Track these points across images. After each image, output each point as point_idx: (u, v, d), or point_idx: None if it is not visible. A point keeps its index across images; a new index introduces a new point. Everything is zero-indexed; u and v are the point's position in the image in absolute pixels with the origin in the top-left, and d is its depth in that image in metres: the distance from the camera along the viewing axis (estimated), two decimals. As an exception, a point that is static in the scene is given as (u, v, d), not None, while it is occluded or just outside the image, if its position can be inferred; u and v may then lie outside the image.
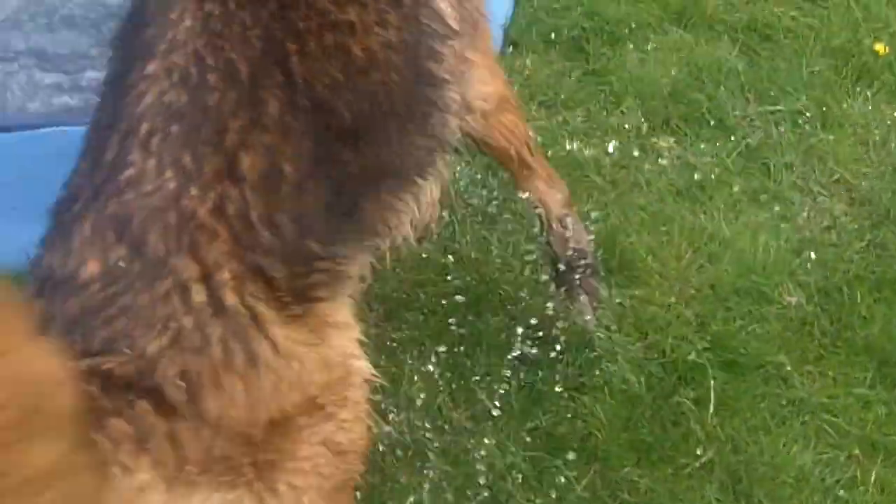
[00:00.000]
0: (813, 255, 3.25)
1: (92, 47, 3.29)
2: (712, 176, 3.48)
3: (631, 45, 3.89)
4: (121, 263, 1.92)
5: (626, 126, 3.63)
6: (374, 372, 2.21)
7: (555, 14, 3.98)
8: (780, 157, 3.55)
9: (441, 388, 2.93)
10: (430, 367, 2.92)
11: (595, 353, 2.98)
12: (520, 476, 2.79)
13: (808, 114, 3.66)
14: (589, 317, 2.98)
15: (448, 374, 2.95)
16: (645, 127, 3.64)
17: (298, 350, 2.03)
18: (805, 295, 3.15)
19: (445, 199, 2.80)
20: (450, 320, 3.02)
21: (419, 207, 2.44)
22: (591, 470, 2.81)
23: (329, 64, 2.16)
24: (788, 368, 2.99)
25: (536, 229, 2.98)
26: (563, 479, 2.78)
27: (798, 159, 3.54)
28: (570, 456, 2.82)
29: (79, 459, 1.72)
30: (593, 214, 3.21)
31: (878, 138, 3.61)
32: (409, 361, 2.97)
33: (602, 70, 3.82)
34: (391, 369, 2.88)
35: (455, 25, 2.40)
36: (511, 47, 3.87)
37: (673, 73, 3.79)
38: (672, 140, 3.62)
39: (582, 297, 2.97)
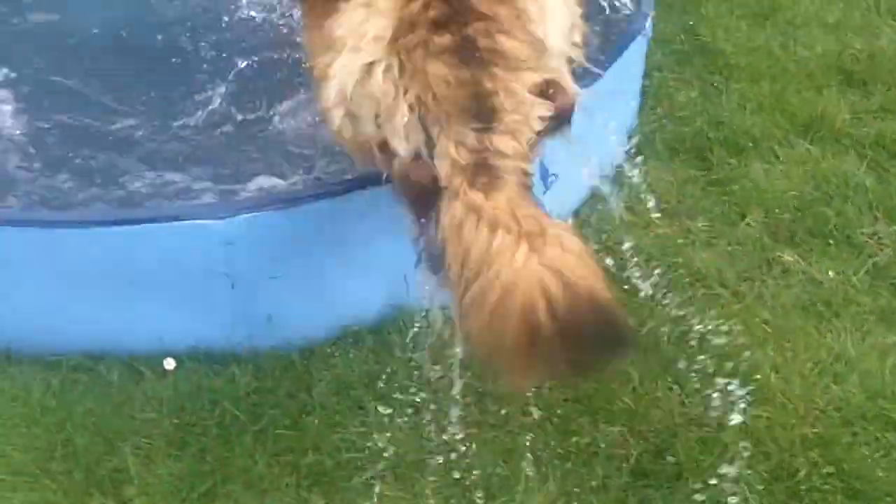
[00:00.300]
0: (946, 384, 3.15)
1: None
2: (838, 293, 3.41)
3: (756, 157, 3.88)
4: None
5: (750, 238, 3.60)
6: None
7: (679, 122, 4.00)
8: (909, 278, 3.47)
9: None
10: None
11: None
12: None
13: (939, 236, 3.59)
14: None
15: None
16: (769, 240, 3.60)
17: None
18: (938, 426, 3.05)
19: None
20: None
21: None
22: None
23: None
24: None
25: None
26: None
27: (929, 282, 3.46)
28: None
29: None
30: (716, 326, 3.16)
31: None
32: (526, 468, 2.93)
33: (726, 180, 3.80)
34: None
35: None
36: (634, 154, 3.86)
37: (799, 186, 3.76)
38: (797, 254, 3.56)
39: None
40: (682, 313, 3.19)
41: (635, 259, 3.36)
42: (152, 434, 3.01)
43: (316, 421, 3.04)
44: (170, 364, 3.18)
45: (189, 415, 3.05)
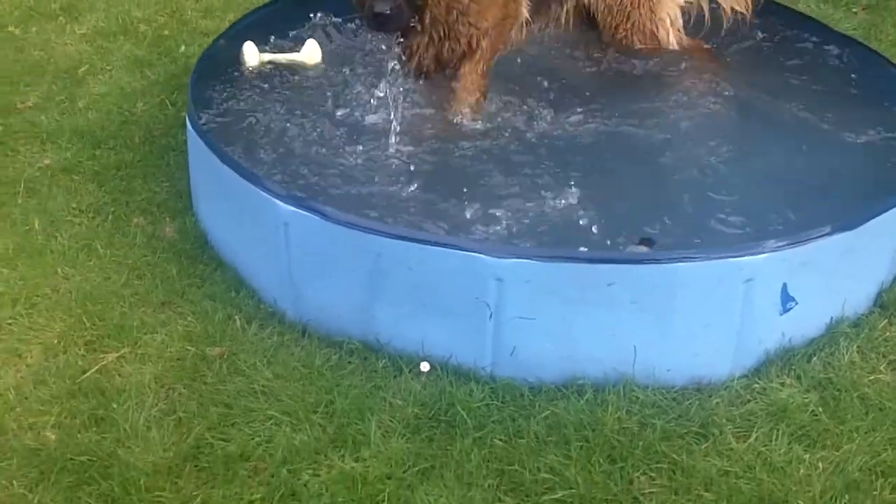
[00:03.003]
0: None
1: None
2: None
3: None
4: None
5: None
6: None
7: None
8: None
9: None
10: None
11: None
12: None
13: None
14: None
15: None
16: None
17: None
18: None
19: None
20: None
21: None
22: None
23: None
24: None
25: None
26: None
27: None
28: None
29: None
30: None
31: None
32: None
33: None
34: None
35: None
36: (878, 308, 4.15)
37: None
38: None
39: None
40: None
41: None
42: (396, 416, 3.65)
43: (525, 442, 3.56)
44: (425, 367, 3.80)
45: (429, 409, 3.66)
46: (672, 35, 5.19)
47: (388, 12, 4.31)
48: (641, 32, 5.13)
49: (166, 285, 4.20)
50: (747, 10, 5.29)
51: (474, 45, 4.66)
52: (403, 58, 4.65)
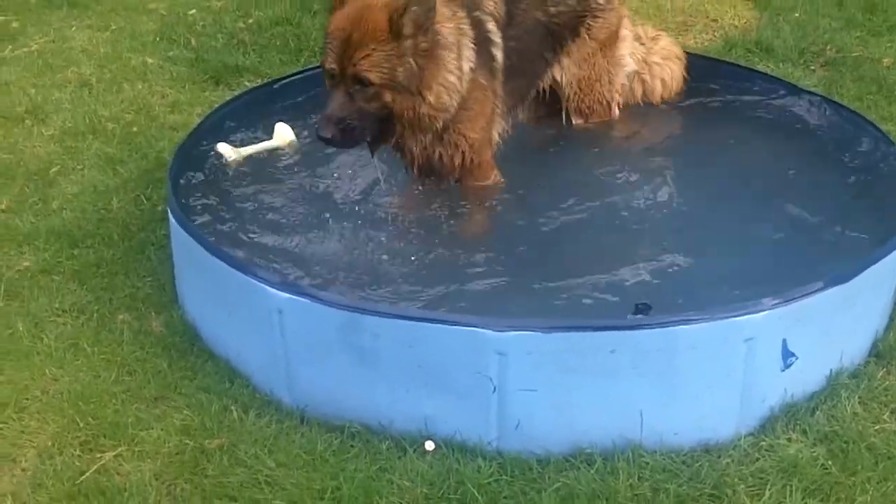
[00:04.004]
0: None
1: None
2: None
3: None
4: None
5: None
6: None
7: (927, 337, 4.27)
8: None
9: None
10: None
11: None
12: None
13: None
14: None
15: None
16: None
17: None
18: None
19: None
20: None
21: None
22: None
23: None
24: None
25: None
26: None
27: None
28: None
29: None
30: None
31: None
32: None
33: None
34: None
35: None
36: (875, 358, 4.17)
37: None
38: None
39: None
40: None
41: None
42: (405, 498, 3.59)
43: (539, 516, 3.51)
44: (430, 446, 3.75)
45: (437, 489, 3.60)
46: (616, 106, 5.38)
47: (330, 137, 4.19)
48: (600, 104, 5.28)
49: (158, 380, 4.12)
50: (675, 82, 5.53)
51: (471, 159, 4.63)
52: (404, 161, 4.66)
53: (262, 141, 4.96)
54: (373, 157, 4.55)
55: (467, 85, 4.44)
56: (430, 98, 4.27)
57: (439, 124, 4.43)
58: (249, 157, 4.86)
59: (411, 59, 4.15)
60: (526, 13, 4.86)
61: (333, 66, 4.18)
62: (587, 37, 5.11)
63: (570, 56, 5.11)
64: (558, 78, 5.15)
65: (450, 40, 4.36)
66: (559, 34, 5.03)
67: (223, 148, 4.82)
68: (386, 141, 4.43)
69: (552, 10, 4.96)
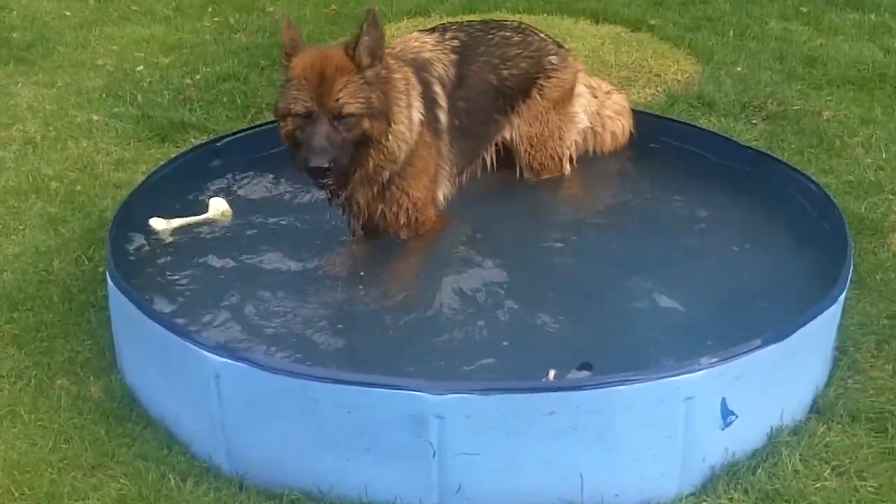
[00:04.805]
0: None
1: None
2: None
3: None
4: None
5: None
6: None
7: (865, 393, 4.28)
8: None
9: None
10: None
11: None
12: None
13: None
14: None
15: None
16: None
17: None
18: None
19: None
20: None
21: None
22: None
23: None
24: None
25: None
26: None
27: None
28: None
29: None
30: None
31: None
32: None
33: (901, 449, 4.05)
34: None
35: None
36: (815, 414, 4.19)
37: None
38: None
39: None
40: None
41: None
42: (347, 564, 3.54)
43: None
44: (368, 511, 3.72)
45: (379, 556, 3.57)
46: (568, 161, 5.42)
47: (328, 165, 4.25)
48: (552, 159, 5.31)
49: (95, 448, 4.06)
50: (623, 136, 5.63)
51: (415, 218, 4.68)
52: (343, 215, 4.66)
53: (195, 213, 5.00)
54: (330, 203, 4.57)
55: (416, 137, 4.48)
56: (392, 129, 4.42)
57: (386, 175, 4.48)
58: (183, 229, 4.91)
59: (377, 85, 4.33)
60: (478, 75, 4.93)
61: (308, 104, 4.29)
62: (539, 97, 5.17)
63: (521, 116, 5.16)
64: (509, 136, 5.19)
65: (399, 87, 4.45)
66: (511, 95, 5.09)
67: (155, 222, 4.86)
68: (348, 182, 4.47)
69: (505, 73, 5.02)
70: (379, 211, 4.62)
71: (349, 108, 4.27)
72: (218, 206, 4.99)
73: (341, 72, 4.27)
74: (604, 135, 5.57)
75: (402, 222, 4.65)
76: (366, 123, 4.31)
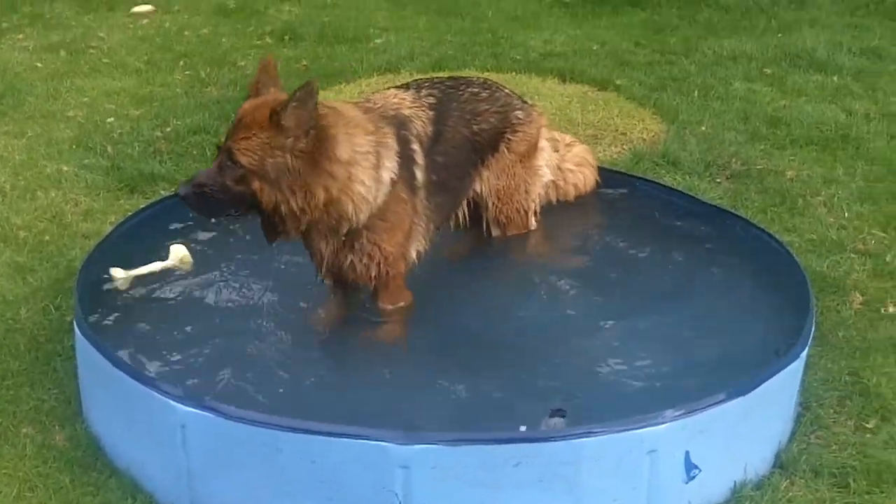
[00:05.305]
0: None
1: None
2: None
3: (896, 492, 4.14)
4: None
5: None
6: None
7: (827, 450, 4.31)
8: None
9: None
10: None
11: None
12: None
13: None
14: None
15: None
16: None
17: None
18: None
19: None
20: None
21: None
22: None
23: None
24: None
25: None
26: None
27: None
28: None
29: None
30: None
31: None
32: None
33: (862, 505, 4.09)
34: None
35: None
36: (778, 469, 4.23)
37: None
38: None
39: None
40: None
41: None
42: None
43: None
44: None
45: None
46: (534, 215, 5.48)
47: (183, 196, 4.30)
48: (518, 213, 5.36)
49: (59, 497, 4.04)
50: (586, 186, 5.71)
51: (386, 272, 4.67)
52: (313, 261, 4.68)
53: (160, 260, 5.00)
54: (270, 244, 4.53)
55: (384, 196, 4.51)
56: (314, 201, 4.30)
57: (343, 230, 4.49)
58: (143, 277, 4.91)
59: (287, 156, 4.21)
60: (454, 130, 4.98)
61: (222, 142, 4.33)
62: (506, 150, 5.23)
63: (490, 169, 5.21)
64: (478, 190, 5.25)
65: (363, 150, 4.44)
66: (481, 150, 5.15)
67: (115, 272, 4.87)
68: (277, 233, 4.43)
69: (475, 128, 5.08)
70: (349, 261, 4.62)
71: (238, 157, 4.21)
72: (177, 254, 4.97)
73: (256, 124, 4.21)
74: (566, 188, 5.65)
75: (372, 274, 4.66)
76: (255, 183, 4.22)
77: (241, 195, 4.26)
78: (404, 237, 4.70)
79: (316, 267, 4.68)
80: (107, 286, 4.83)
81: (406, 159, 4.65)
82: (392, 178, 4.53)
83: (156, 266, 4.95)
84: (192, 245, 5.11)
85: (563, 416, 3.94)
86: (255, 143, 4.19)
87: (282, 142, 4.19)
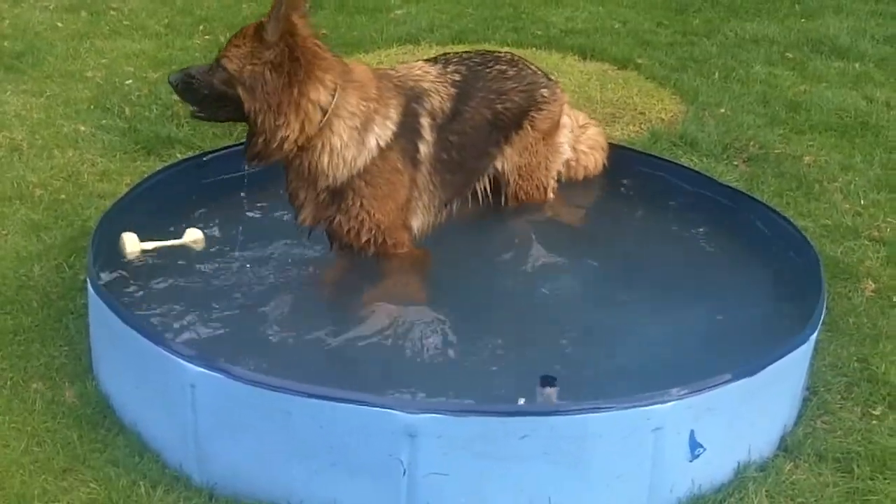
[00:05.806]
0: None
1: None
2: None
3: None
4: None
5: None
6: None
7: (833, 434, 4.32)
8: None
9: None
10: None
11: None
12: None
13: None
14: None
15: None
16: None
17: None
18: None
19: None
20: None
21: None
22: None
23: None
24: None
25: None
26: None
27: None
28: None
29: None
30: None
31: None
32: None
33: (866, 490, 4.08)
34: None
35: None
36: (784, 449, 4.24)
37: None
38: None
39: None
40: None
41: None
42: (309, 579, 3.56)
43: None
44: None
45: (343, 571, 3.58)
46: (552, 190, 5.49)
47: (173, 82, 4.65)
48: (538, 189, 5.36)
49: (67, 451, 4.07)
50: (596, 170, 5.73)
51: (383, 241, 4.71)
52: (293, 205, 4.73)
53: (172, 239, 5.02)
54: (248, 163, 4.62)
55: (366, 160, 4.55)
56: (288, 129, 4.46)
57: (320, 183, 4.58)
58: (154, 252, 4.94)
59: (264, 68, 4.45)
60: (475, 110, 4.99)
61: None
62: (530, 128, 5.23)
63: (513, 146, 5.22)
64: (500, 167, 5.25)
65: (350, 108, 4.52)
66: (504, 128, 5.16)
67: (127, 238, 4.87)
68: (256, 153, 4.54)
69: (499, 107, 5.09)
70: (336, 220, 4.66)
71: (225, 63, 4.50)
72: (191, 234, 5.01)
73: (246, 36, 4.51)
74: (577, 168, 5.66)
75: (364, 240, 4.69)
76: (238, 89, 4.47)
77: (223, 95, 4.53)
78: (398, 208, 4.71)
79: (294, 211, 4.73)
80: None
81: (409, 131, 4.67)
82: (379, 145, 4.57)
83: (168, 242, 4.97)
84: (211, 215, 5.14)
85: (554, 385, 3.93)
86: (241, 51, 4.49)
87: (262, 53, 4.45)
